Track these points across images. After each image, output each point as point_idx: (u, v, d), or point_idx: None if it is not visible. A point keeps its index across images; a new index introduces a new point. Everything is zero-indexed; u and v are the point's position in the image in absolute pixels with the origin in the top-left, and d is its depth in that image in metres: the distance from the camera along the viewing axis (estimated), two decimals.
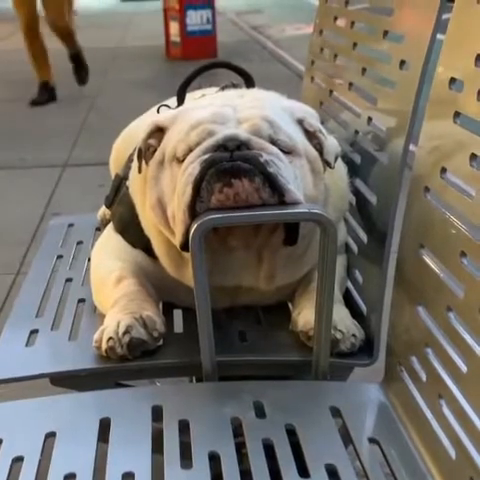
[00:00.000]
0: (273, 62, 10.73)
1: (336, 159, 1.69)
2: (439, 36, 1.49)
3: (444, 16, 1.50)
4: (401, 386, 1.50)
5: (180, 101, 1.93)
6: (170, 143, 1.63)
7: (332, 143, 1.69)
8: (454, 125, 1.37)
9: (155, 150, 1.68)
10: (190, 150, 1.56)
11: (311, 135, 1.66)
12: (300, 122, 1.67)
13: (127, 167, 1.91)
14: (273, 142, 1.56)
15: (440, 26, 1.51)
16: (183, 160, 1.57)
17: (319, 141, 1.66)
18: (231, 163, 1.49)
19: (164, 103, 1.97)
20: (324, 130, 1.68)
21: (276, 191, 1.49)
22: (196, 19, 11.46)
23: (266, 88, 1.84)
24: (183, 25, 11.39)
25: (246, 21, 16.98)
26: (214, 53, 11.09)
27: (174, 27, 11.64)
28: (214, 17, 11.58)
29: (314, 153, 1.65)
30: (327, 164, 1.66)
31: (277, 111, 1.65)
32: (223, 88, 1.91)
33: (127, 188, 1.87)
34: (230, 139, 1.53)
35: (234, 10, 19.68)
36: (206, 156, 1.52)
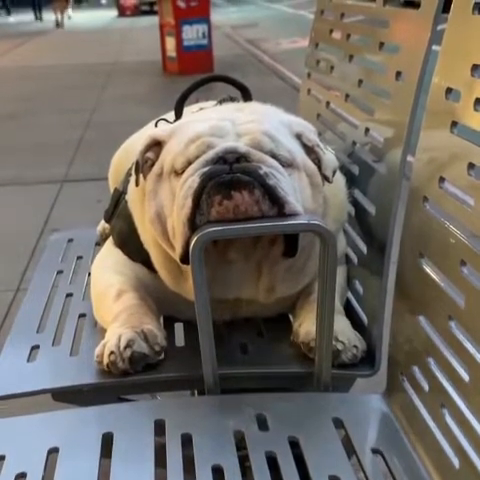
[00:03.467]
0: (269, 75, 10.79)
1: (334, 174, 1.70)
2: (434, 47, 1.50)
3: (439, 27, 1.51)
4: (403, 396, 1.50)
5: (178, 115, 1.93)
6: (168, 156, 1.63)
7: (330, 158, 1.69)
8: (451, 135, 1.37)
9: (153, 164, 1.68)
10: (189, 163, 1.57)
11: (309, 150, 1.67)
12: (298, 137, 1.67)
13: (126, 181, 1.91)
14: (274, 156, 1.57)
15: (435, 37, 1.52)
16: (182, 173, 1.57)
17: (317, 156, 1.66)
18: (231, 175, 1.49)
19: (162, 117, 1.97)
20: (322, 145, 1.69)
21: (276, 203, 1.49)
22: (192, 34, 11.54)
23: (263, 101, 1.85)
24: (179, 40, 11.48)
25: (242, 35, 17.08)
26: (210, 67, 11.15)
27: (170, 42, 11.72)
28: (210, 31, 11.66)
29: (313, 167, 1.65)
30: (325, 178, 1.67)
31: (276, 125, 1.65)
32: (221, 102, 1.91)
33: (126, 202, 1.87)
34: (229, 152, 1.53)
35: (230, 24, 19.78)
36: (205, 169, 1.52)
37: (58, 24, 24.71)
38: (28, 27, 24.80)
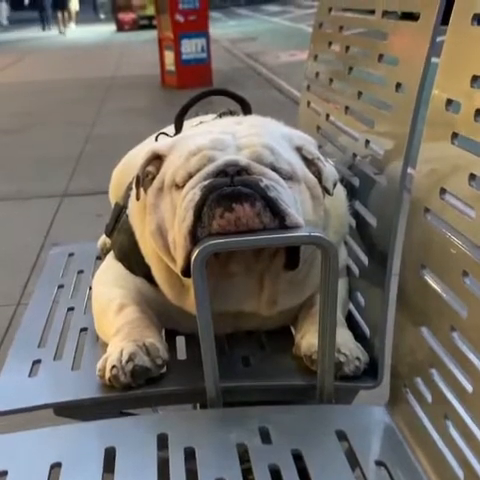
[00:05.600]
0: (268, 88, 10.81)
1: (334, 186, 1.70)
2: (434, 59, 1.51)
3: (438, 39, 1.51)
4: (406, 408, 1.50)
5: (178, 129, 1.94)
6: (169, 170, 1.63)
7: (330, 170, 1.69)
8: (452, 146, 1.38)
9: (153, 177, 1.68)
10: (190, 176, 1.57)
11: (310, 162, 1.67)
12: (299, 150, 1.68)
13: (127, 195, 1.92)
14: (274, 169, 1.57)
15: (435, 48, 1.52)
16: (183, 186, 1.58)
17: (318, 168, 1.66)
18: (232, 188, 1.49)
19: (162, 131, 1.98)
20: (322, 157, 1.69)
21: (277, 215, 1.49)
22: (191, 48, 11.56)
23: (262, 114, 1.85)
24: (178, 54, 11.49)
25: (240, 49, 17.13)
26: (209, 81, 11.17)
27: (169, 56, 11.74)
28: (209, 45, 11.69)
29: (313, 180, 1.65)
30: (326, 191, 1.67)
31: (276, 138, 1.65)
32: (220, 115, 1.92)
33: (127, 216, 1.87)
34: (230, 165, 1.53)
35: (228, 38, 19.86)
36: (207, 182, 1.52)
37: (61, 32, 29.53)
38: (29, 42, 24.94)
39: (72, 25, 32.01)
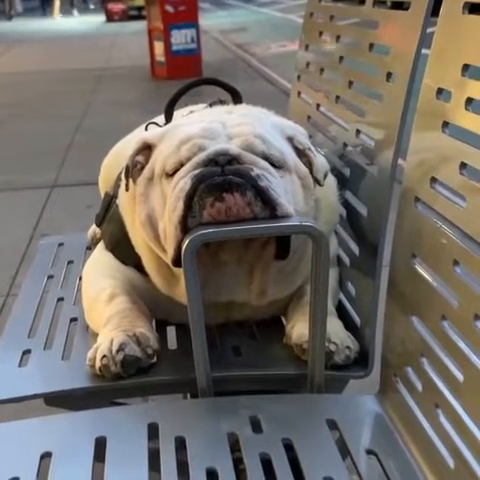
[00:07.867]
0: (258, 79, 10.78)
1: (325, 177, 1.70)
2: (424, 51, 1.50)
3: (428, 30, 1.51)
4: (397, 397, 1.50)
5: (168, 118, 1.93)
6: (159, 159, 1.63)
7: (321, 161, 1.69)
8: (443, 135, 1.38)
9: (143, 167, 1.68)
10: (180, 165, 1.56)
11: (301, 153, 1.67)
12: (290, 140, 1.67)
13: (116, 185, 1.91)
14: (265, 157, 1.57)
15: (425, 38, 1.52)
16: (173, 175, 1.57)
17: (309, 159, 1.66)
18: (222, 177, 1.49)
19: (152, 121, 1.97)
20: (313, 148, 1.69)
21: (268, 205, 1.49)
22: (180, 38, 11.52)
23: (252, 105, 1.85)
24: (168, 45, 11.45)
25: (230, 39, 17.08)
26: (199, 72, 11.14)
27: (159, 47, 11.70)
28: (198, 36, 11.65)
29: (304, 170, 1.65)
30: (316, 182, 1.66)
31: (267, 128, 1.65)
32: (211, 104, 1.91)
33: (117, 206, 1.86)
34: (221, 154, 1.53)
35: (218, 29, 19.80)
36: (197, 171, 1.52)
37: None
38: (17, 31, 24.80)
39: (74, 11, 33.41)
